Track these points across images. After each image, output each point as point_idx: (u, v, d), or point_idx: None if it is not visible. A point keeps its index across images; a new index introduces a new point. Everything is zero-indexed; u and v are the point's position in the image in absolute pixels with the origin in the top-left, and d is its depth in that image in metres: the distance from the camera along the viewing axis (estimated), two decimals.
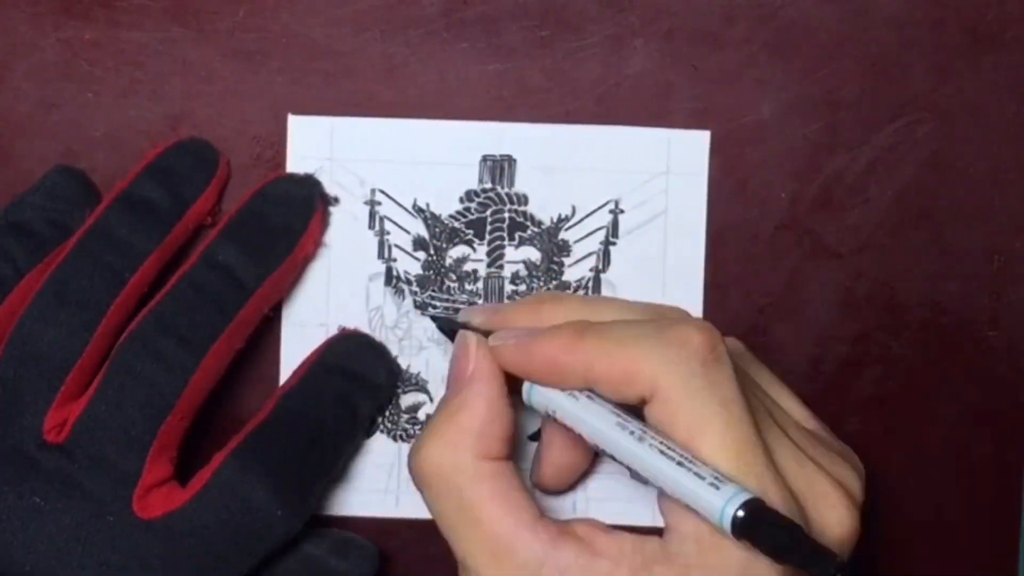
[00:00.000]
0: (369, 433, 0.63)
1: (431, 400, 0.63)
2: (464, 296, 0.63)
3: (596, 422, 0.52)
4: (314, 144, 0.62)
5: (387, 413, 0.63)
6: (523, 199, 0.63)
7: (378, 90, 0.62)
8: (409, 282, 0.63)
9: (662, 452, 0.50)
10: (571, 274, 0.63)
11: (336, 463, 0.60)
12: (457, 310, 0.63)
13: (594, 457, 0.61)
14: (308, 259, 0.62)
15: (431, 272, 0.63)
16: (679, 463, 0.49)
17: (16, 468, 0.55)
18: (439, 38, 0.62)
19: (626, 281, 0.63)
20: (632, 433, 0.51)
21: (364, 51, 0.62)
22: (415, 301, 0.63)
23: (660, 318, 0.54)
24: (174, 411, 0.55)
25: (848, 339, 0.63)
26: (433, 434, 0.54)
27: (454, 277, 0.63)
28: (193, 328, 0.56)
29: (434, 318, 0.62)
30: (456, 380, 0.55)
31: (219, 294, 0.57)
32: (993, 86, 0.63)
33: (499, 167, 0.63)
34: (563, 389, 0.53)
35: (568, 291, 0.63)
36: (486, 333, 0.56)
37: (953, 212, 0.63)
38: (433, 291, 0.63)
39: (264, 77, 0.62)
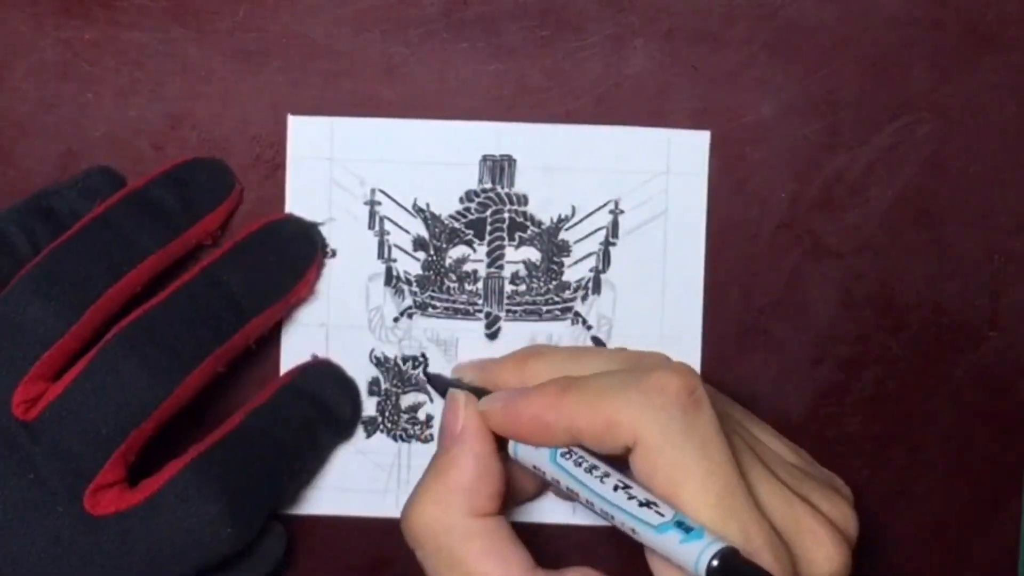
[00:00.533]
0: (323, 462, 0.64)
1: (431, 400, 0.63)
2: (464, 296, 0.63)
3: (579, 476, 0.52)
4: (314, 144, 0.62)
5: (386, 413, 0.63)
6: (523, 199, 0.63)
7: (378, 90, 0.62)
8: (409, 282, 0.63)
9: (641, 504, 0.50)
10: (571, 274, 0.63)
11: (290, 489, 0.61)
12: (457, 310, 0.63)
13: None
14: (300, 303, 0.62)
15: (431, 272, 0.63)
16: (658, 514, 0.49)
17: None
18: (439, 38, 0.62)
19: (626, 282, 0.63)
20: (613, 487, 0.51)
21: (364, 51, 0.62)
22: (415, 301, 0.63)
23: (639, 366, 0.54)
24: (148, 419, 0.55)
25: (848, 339, 0.63)
26: (422, 493, 0.55)
27: (454, 277, 0.63)
28: (186, 342, 0.56)
29: (426, 375, 0.63)
30: (445, 438, 0.55)
31: (217, 314, 0.57)
32: (993, 86, 0.63)
33: (499, 167, 0.63)
34: (551, 447, 0.53)
35: (569, 299, 0.63)
36: (476, 389, 0.56)
37: (953, 212, 0.63)
38: (433, 291, 0.63)
39: (264, 77, 0.62)
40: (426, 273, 0.63)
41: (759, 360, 0.63)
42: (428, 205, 0.63)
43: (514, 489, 0.58)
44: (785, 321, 0.63)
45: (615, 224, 0.63)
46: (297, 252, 0.61)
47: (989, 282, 0.63)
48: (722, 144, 0.63)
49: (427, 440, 0.63)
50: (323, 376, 0.62)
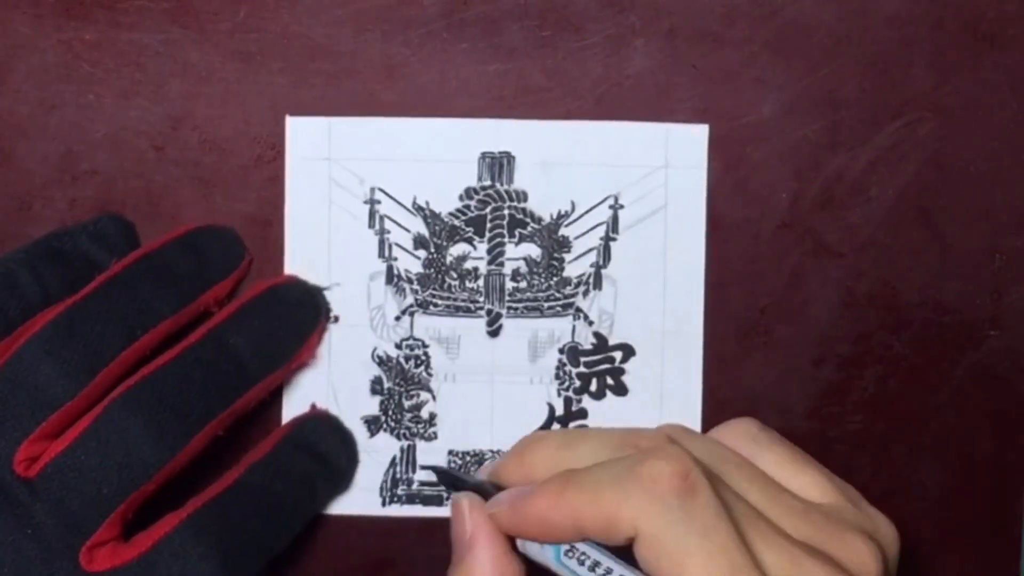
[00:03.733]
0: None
1: (434, 398, 0.63)
2: (465, 294, 0.63)
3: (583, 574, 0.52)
4: (312, 144, 0.62)
5: (389, 412, 0.63)
6: (522, 196, 0.63)
7: (379, 91, 0.62)
8: (410, 280, 0.63)
9: None
10: (572, 270, 0.63)
11: (286, 541, 0.60)
12: (459, 308, 0.63)
13: None
14: (301, 368, 0.62)
15: (432, 270, 0.63)
16: None
17: None
18: (440, 38, 0.62)
19: (627, 276, 0.63)
20: None
21: (364, 52, 0.62)
22: (416, 300, 0.63)
23: (634, 451, 0.53)
24: (149, 481, 0.55)
25: (849, 339, 0.64)
26: None
27: (455, 275, 0.63)
28: (191, 404, 0.56)
29: (436, 471, 0.62)
30: (458, 545, 0.55)
31: (223, 378, 0.57)
32: (993, 85, 0.63)
33: (498, 164, 0.63)
34: (559, 543, 0.53)
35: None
36: (482, 486, 0.56)
37: (954, 211, 0.63)
38: (434, 289, 0.63)
39: (264, 78, 0.62)
40: (427, 271, 0.63)
41: (761, 360, 0.63)
42: (427, 203, 0.63)
43: None
44: (786, 321, 0.63)
45: (615, 219, 0.63)
46: (302, 317, 0.61)
47: (990, 281, 0.63)
48: (723, 144, 0.62)
49: (430, 439, 0.63)
50: (321, 427, 0.62)
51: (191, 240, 0.60)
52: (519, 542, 0.55)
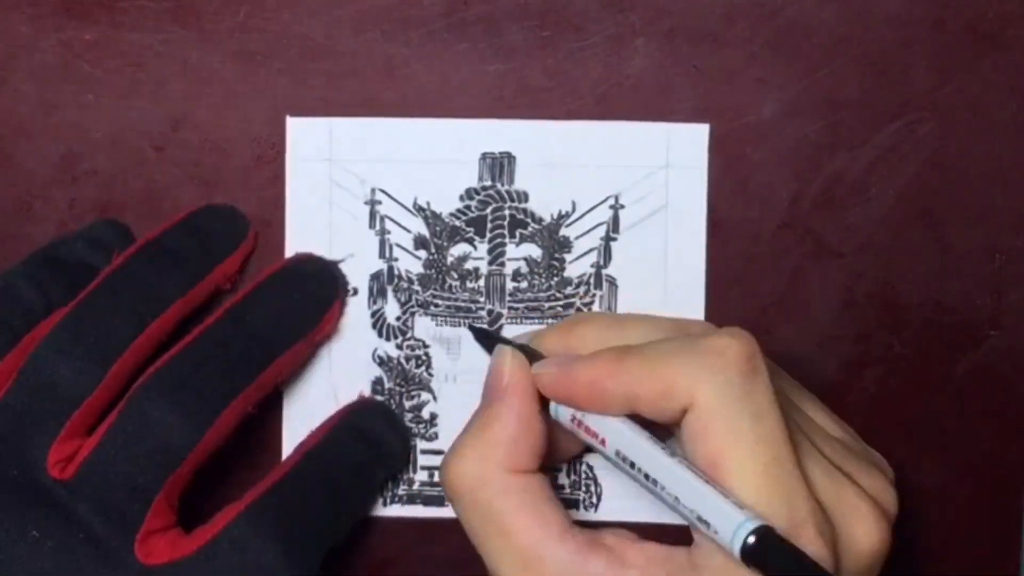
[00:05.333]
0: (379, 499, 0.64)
1: (435, 399, 0.63)
2: (466, 294, 0.63)
3: (624, 446, 0.52)
4: (313, 145, 0.62)
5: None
6: (523, 196, 0.63)
7: (379, 91, 0.62)
8: (411, 281, 0.63)
9: (683, 477, 0.50)
10: (572, 270, 0.63)
11: (346, 528, 0.60)
12: (459, 308, 0.63)
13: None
14: (325, 340, 0.62)
15: (432, 271, 0.63)
16: (700, 489, 0.49)
17: (17, 498, 0.54)
18: (440, 38, 0.62)
19: (628, 276, 0.63)
20: (655, 458, 0.51)
21: (365, 52, 0.62)
22: (417, 300, 0.63)
23: (686, 332, 0.54)
24: (183, 464, 0.55)
25: (849, 338, 0.63)
26: (463, 447, 0.55)
27: (455, 275, 0.63)
28: (213, 383, 0.56)
29: (472, 329, 0.62)
30: (490, 392, 0.56)
31: (243, 353, 0.57)
32: (993, 85, 0.63)
33: (498, 164, 0.63)
34: (606, 414, 0.53)
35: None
36: (522, 348, 0.56)
37: (954, 211, 0.63)
38: (435, 290, 0.63)
39: (265, 78, 0.62)
40: (428, 272, 0.63)
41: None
42: (428, 204, 0.63)
43: (556, 448, 0.59)
44: (787, 321, 0.63)
45: (615, 219, 0.63)
46: (320, 289, 0.61)
47: (990, 281, 0.63)
48: (723, 144, 0.62)
49: (431, 439, 0.63)
50: (372, 414, 0.62)
51: (191, 221, 0.61)
52: (552, 408, 0.55)
